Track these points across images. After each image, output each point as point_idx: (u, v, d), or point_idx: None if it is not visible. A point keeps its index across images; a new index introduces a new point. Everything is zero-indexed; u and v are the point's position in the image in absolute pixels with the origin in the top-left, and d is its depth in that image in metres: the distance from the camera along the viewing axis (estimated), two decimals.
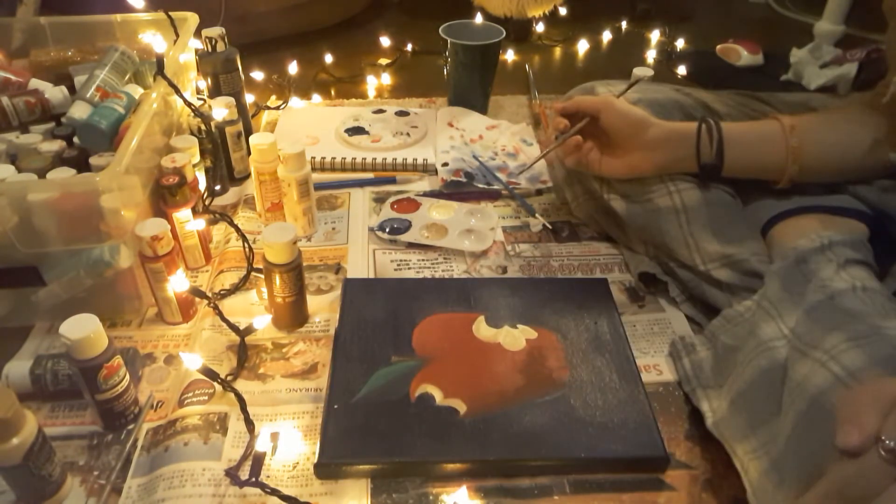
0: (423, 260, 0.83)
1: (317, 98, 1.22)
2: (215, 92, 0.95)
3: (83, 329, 0.55)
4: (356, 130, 1.07)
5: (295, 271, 0.68)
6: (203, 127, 0.84)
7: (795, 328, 0.54)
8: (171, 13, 0.91)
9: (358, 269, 0.81)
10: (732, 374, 0.59)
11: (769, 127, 0.70)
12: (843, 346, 0.48)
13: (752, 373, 0.56)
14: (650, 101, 0.80)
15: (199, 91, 1.02)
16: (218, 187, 0.90)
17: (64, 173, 0.73)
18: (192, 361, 0.61)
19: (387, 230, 0.86)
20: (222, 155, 0.90)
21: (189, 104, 0.83)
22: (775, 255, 0.68)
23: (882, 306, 0.53)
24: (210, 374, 0.62)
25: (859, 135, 0.68)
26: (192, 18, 0.94)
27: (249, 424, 0.60)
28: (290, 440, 0.60)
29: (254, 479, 0.54)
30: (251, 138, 0.81)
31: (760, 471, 0.51)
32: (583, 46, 1.49)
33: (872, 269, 0.60)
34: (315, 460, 0.57)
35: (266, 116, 1.15)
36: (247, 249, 0.80)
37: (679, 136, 0.71)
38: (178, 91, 0.81)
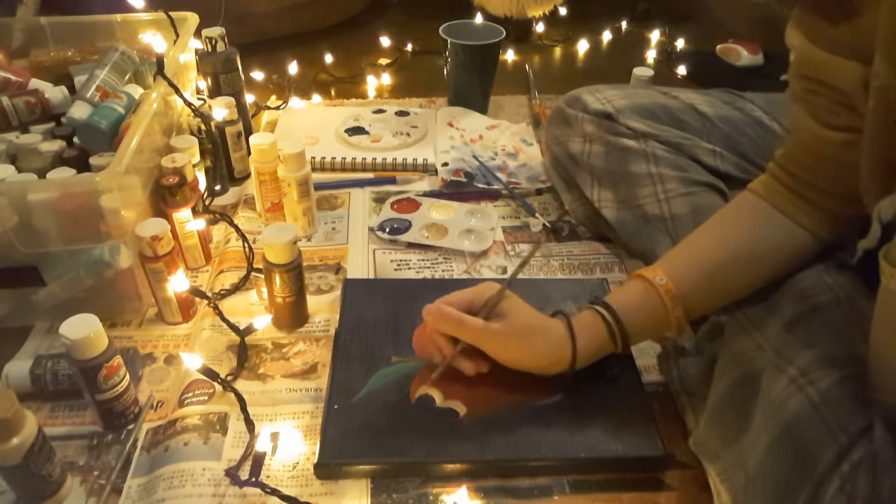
0: (423, 260, 0.83)
1: (317, 98, 1.22)
2: (215, 92, 0.95)
3: (83, 329, 0.55)
4: (356, 130, 1.07)
5: (295, 271, 0.68)
6: (203, 127, 0.84)
7: (773, 341, 0.52)
8: (171, 13, 0.91)
9: (358, 269, 0.81)
10: (711, 387, 0.57)
11: (640, 288, 0.59)
12: (821, 371, 0.46)
13: (725, 386, 0.54)
14: (635, 106, 0.79)
15: (199, 91, 1.02)
16: (218, 187, 0.90)
17: (64, 173, 0.73)
18: (192, 361, 0.61)
19: (387, 230, 0.86)
20: (222, 155, 0.90)
21: (189, 104, 0.83)
22: None
23: (864, 325, 0.49)
24: (210, 374, 0.62)
25: (761, 231, 0.59)
26: (192, 18, 0.94)
27: (249, 424, 0.60)
28: (290, 440, 0.60)
29: (254, 479, 0.54)
30: (251, 138, 0.81)
31: (731, 495, 0.50)
32: (583, 46, 1.49)
33: (855, 270, 0.56)
34: (315, 460, 0.57)
35: (266, 116, 1.15)
36: (247, 249, 0.80)
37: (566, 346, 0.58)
38: (178, 91, 0.81)
